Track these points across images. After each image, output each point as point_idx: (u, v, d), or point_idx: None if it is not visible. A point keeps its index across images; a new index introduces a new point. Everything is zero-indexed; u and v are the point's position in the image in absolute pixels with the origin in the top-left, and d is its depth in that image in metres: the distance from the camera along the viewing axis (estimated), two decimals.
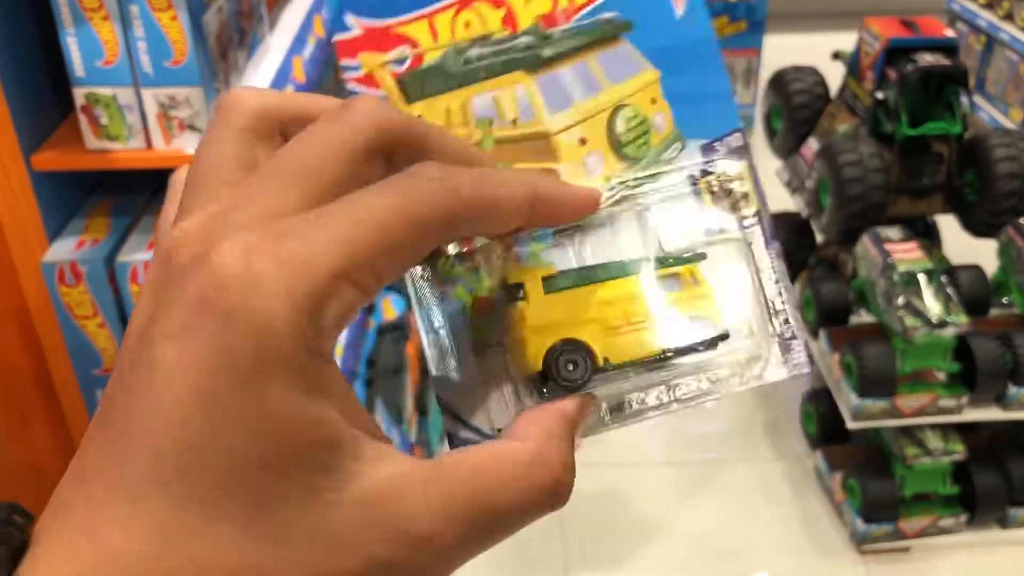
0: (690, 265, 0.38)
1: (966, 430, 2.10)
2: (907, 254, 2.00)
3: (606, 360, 0.36)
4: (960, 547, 2.15)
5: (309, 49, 1.40)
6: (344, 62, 0.36)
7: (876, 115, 2.21)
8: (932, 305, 1.92)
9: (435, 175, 0.27)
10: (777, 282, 0.38)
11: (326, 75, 1.72)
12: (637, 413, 0.37)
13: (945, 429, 2.05)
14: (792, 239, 2.63)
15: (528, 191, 0.31)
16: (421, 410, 1.97)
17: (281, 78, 1.27)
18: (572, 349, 0.36)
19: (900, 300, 1.93)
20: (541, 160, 0.37)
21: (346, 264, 0.25)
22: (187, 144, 1.06)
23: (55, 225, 1.14)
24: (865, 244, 2.07)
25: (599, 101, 0.38)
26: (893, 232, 2.06)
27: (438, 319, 0.37)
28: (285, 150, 0.27)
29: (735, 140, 0.38)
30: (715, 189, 0.38)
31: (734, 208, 0.38)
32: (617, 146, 0.38)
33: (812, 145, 2.44)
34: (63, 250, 1.11)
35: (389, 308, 1.84)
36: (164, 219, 0.30)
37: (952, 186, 2.21)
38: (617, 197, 0.38)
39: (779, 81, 2.60)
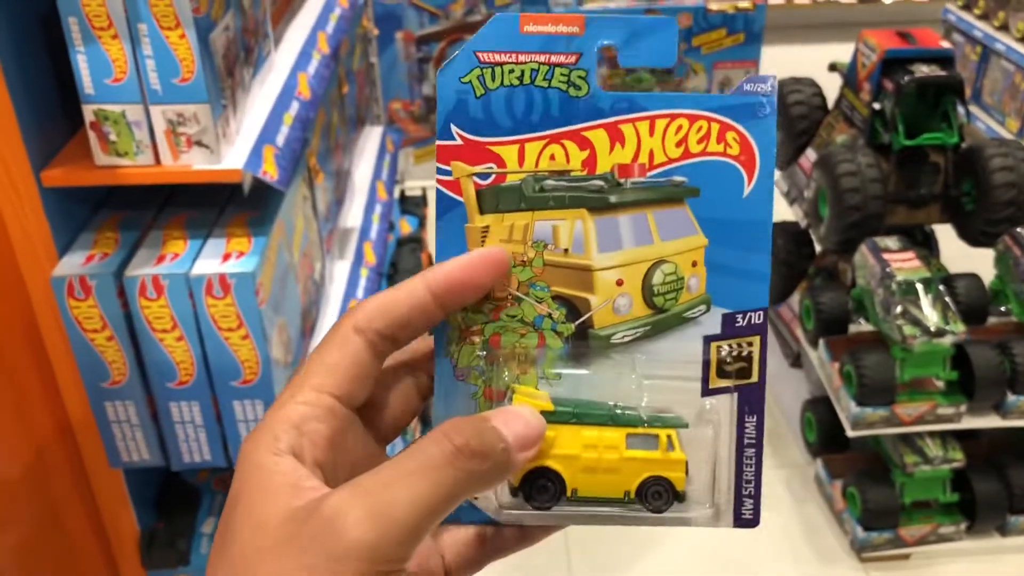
0: (670, 430, 0.42)
1: (965, 438, 2.11)
2: (905, 263, 2.01)
3: (574, 491, 0.42)
4: (960, 554, 2.16)
5: (314, 65, 1.41)
6: (439, 165, 0.42)
7: (873, 126, 2.23)
8: (930, 314, 1.94)
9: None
10: (750, 446, 0.43)
11: (330, 90, 1.74)
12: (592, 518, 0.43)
13: (944, 437, 2.07)
14: (791, 249, 2.65)
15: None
16: (424, 421, 1.99)
17: (286, 94, 1.28)
18: (547, 477, 0.42)
19: (898, 309, 1.95)
20: (578, 289, 0.42)
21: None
22: (195, 160, 1.08)
23: (64, 240, 1.15)
24: (863, 253, 2.09)
25: (645, 252, 0.43)
26: (891, 242, 2.08)
27: (452, 395, 0.43)
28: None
29: (756, 317, 0.42)
30: (724, 354, 0.42)
31: (736, 375, 0.43)
32: (648, 294, 0.43)
33: (810, 155, 2.46)
34: (72, 264, 1.12)
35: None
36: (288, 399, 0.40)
37: (949, 196, 2.23)
38: (637, 336, 0.43)
39: (777, 92, 2.61)
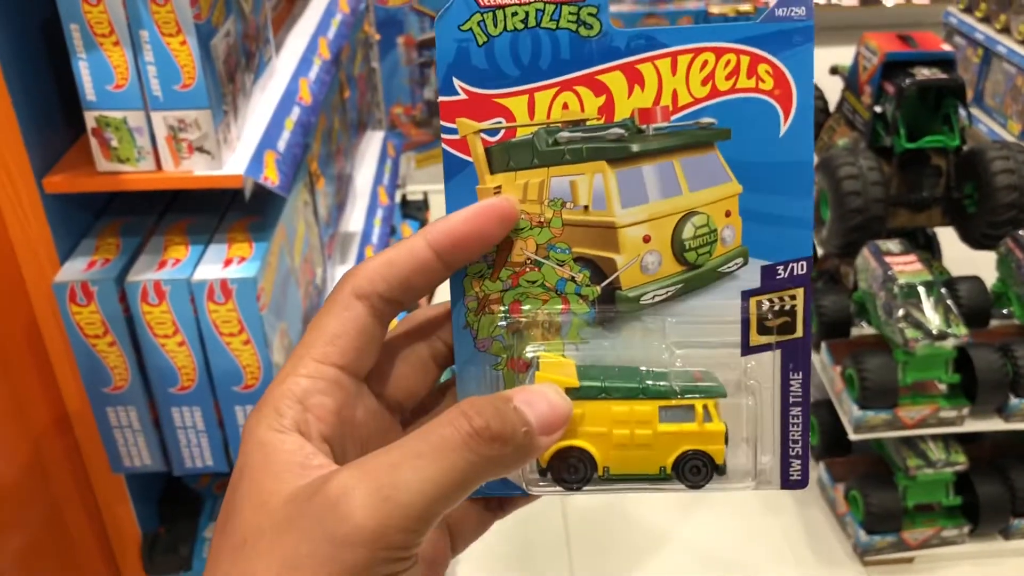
0: (707, 399, 0.40)
1: (968, 441, 2.11)
2: (907, 266, 2.01)
3: (606, 470, 0.40)
4: (963, 558, 2.16)
5: (315, 70, 1.42)
6: (444, 123, 0.39)
7: (875, 129, 2.24)
8: (932, 317, 1.93)
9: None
10: (796, 405, 0.40)
11: (331, 95, 1.74)
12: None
13: (947, 440, 2.06)
14: None
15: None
16: None
17: (287, 100, 1.29)
18: (577, 456, 0.40)
19: (900, 312, 1.95)
20: (602, 248, 0.39)
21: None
22: (196, 166, 1.08)
23: (66, 246, 1.15)
24: (865, 257, 2.09)
25: (673, 204, 0.39)
26: (893, 245, 2.08)
27: (474, 367, 0.41)
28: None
29: (799, 268, 0.39)
30: (765, 309, 0.39)
31: (778, 331, 0.40)
32: (679, 250, 0.39)
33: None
34: (74, 270, 1.12)
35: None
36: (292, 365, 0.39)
37: (951, 198, 2.23)
38: (668, 295, 0.40)
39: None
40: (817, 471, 2.36)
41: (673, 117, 0.38)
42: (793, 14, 0.38)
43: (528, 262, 0.39)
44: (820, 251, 2.46)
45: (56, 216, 1.13)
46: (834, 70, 2.52)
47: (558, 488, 0.40)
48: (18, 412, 1.17)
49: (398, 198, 2.47)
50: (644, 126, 0.38)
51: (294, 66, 1.41)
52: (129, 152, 1.09)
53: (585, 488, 0.40)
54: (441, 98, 0.39)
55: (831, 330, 2.23)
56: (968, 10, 3.80)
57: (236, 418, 1.19)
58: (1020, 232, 2.11)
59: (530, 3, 0.37)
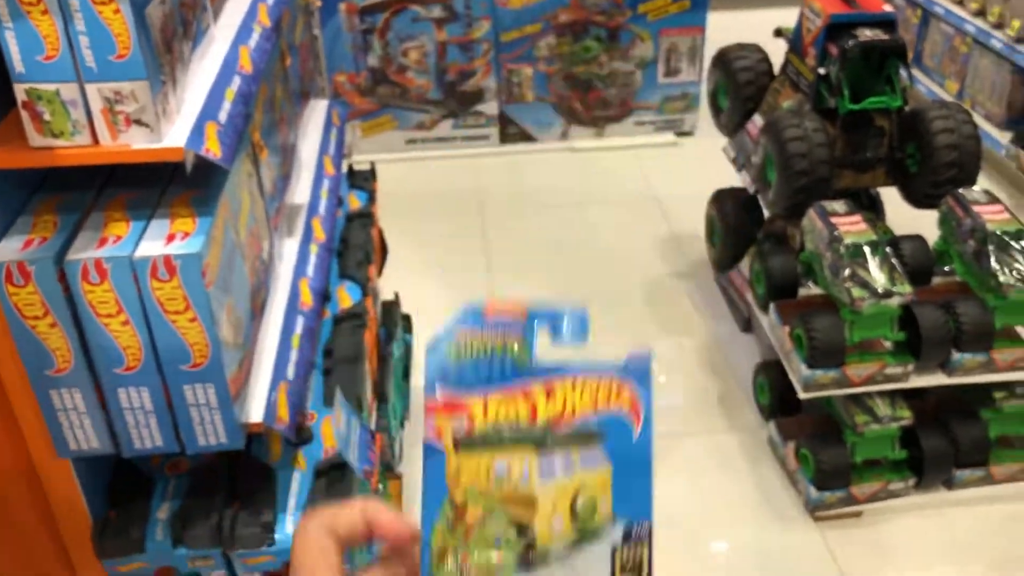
0: None
1: (913, 396, 2.16)
2: (852, 227, 2.04)
3: None
4: (910, 509, 2.22)
5: (255, 38, 1.38)
6: (426, 417, 0.57)
7: (819, 90, 2.25)
8: (877, 276, 1.97)
9: None
10: None
11: (272, 63, 1.70)
12: None
13: (893, 396, 2.11)
14: (740, 215, 2.67)
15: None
16: (380, 397, 1.97)
17: (227, 69, 1.25)
18: None
19: (847, 272, 1.98)
20: (525, 511, 0.56)
21: None
22: (134, 139, 1.05)
23: (0, 225, 1.11)
24: (811, 218, 2.11)
25: (572, 481, 0.57)
26: (838, 205, 2.10)
27: None
28: None
29: (642, 528, 0.56)
30: (623, 560, 0.56)
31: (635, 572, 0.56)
32: (574, 515, 0.57)
33: (757, 121, 2.48)
34: (10, 250, 1.08)
35: (344, 296, 1.83)
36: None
37: (894, 158, 2.26)
38: (569, 549, 0.56)
39: (723, 59, 2.62)
40: (768, 430, 2.40)
41: (572, 422, 0.57)
42: (641, 364, 0.58)
43: (476, 523, 0.56)
44: (767, 213, 2.48)
45: None
46: (778, 32, 2.53)
47: None
48: None
49: (345, 168, 2.43)
50: (554, 429, 0.57)
51: (233, 34, 1.37)
52: (63, 126, 1.04)
53: None
54: (427, 399, 0.57)
55: (779, 291, 2.26)
56: None
57: (185, 397, 1.17)
58: (960, 191, 2.15)
59: (488, 339, 0.58)
